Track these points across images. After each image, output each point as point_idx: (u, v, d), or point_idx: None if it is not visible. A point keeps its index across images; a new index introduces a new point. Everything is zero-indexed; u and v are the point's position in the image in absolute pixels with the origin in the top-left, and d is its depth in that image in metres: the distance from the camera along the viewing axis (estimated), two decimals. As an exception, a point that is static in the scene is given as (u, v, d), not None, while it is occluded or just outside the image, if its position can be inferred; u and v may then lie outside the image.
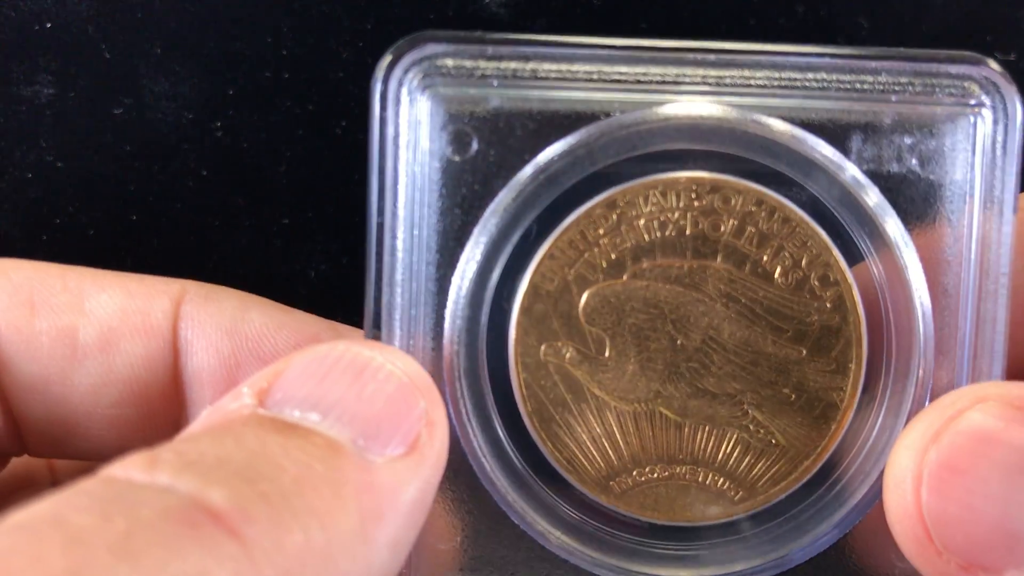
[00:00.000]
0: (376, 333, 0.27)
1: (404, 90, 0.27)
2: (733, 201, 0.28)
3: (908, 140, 0.27)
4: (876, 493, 0.28)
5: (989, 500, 0.24)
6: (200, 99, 0.42)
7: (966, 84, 0.27)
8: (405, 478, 0.24)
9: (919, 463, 0.25)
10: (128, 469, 0.21)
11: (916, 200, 0.27)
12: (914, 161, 0.27)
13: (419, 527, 0.25)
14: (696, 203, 0.28)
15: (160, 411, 0.33)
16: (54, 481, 0.36)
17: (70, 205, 0.43)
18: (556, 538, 0.28)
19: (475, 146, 0.27)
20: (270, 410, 0.24)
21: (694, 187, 0.28)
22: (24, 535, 0.19)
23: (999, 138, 0.27)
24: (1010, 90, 0.27)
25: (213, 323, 0.32)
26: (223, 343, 0.32)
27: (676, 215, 0.28)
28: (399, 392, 0.25)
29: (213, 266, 0.43)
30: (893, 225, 0.27)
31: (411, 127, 0.27)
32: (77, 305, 0.31)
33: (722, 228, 0.28)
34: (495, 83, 0.27)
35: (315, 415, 0.24)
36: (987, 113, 0.27)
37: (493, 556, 0.29)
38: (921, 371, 0.28)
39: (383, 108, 0.27)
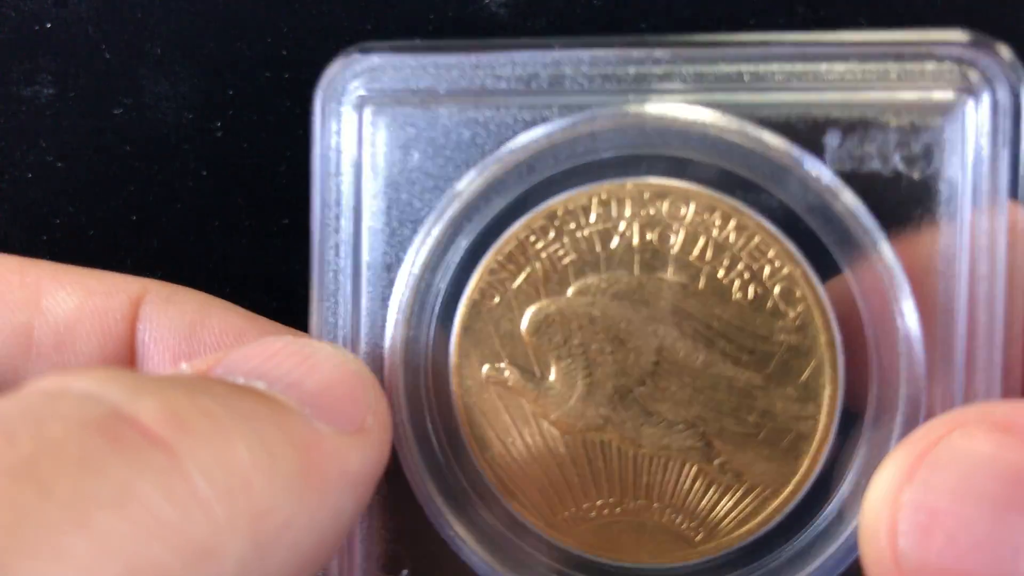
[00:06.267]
0: None
1: (346, 106, 0.26)
2: (683, 209, 0.25)
3: (893, 136, 0.24)
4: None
5: (975, 547, 0.20)
6: (200, 99, 0.42)
7: (960, 69, 0.24)
8: (351, 450, 0.22)
9: (893, 508, 0.21)
10: (45, 381, 0.19)
11: (901, 204, 0.24)
12: (899, 159, 0.24)
13: (360, 507, 0.23)
14: (643, 212, 0.25)
15: None
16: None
17: (70, 205, 0.43)
18: (497, 571, 0.26)
19: (416, 157, 0.26)
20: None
21: (641, 194, 0.25)
22: None
23: (996, 130, 0.23)
24: (1010, 75, 0.24)
25: (172, 327, 0.31)
26: (180, 348, 0.31)
27: (622, 225, 0.25)
28: (347, 378, 0.23)
29: (213, 266, 0.43)
30: (873, 233, 0.24)
31: (353, 140, 0.26)
32: (34, 302, 0.31)
33: (672, 239, 0.25)
34: (441, 91, 0.26)
35: (262, 384, 0.22)
36: (983, 101, 0.24)
37: None
38: (910, 394, 0.24)
39: (324, 122, 0.26)
